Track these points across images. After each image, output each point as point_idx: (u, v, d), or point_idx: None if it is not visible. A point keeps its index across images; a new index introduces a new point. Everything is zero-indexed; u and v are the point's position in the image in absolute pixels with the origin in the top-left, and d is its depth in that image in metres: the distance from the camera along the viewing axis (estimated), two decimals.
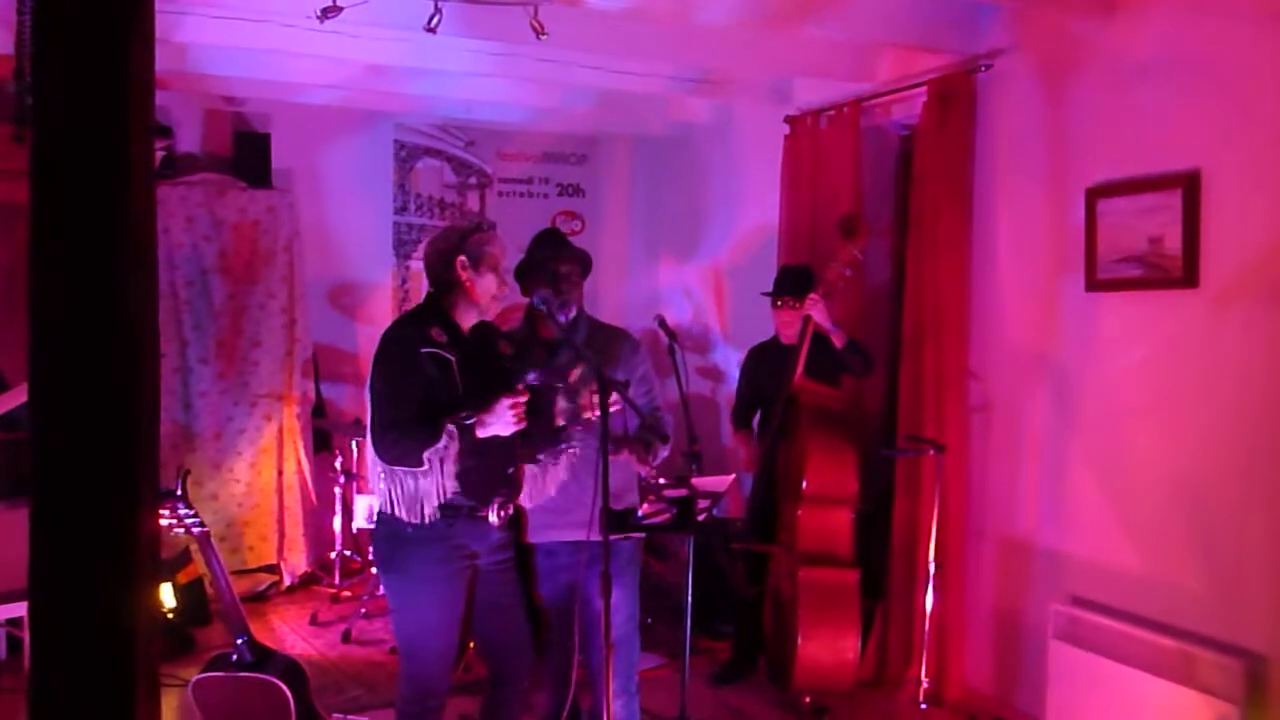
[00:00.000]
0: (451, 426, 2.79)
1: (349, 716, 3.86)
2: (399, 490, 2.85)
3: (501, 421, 2.82)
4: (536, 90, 5.60)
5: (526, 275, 3.29)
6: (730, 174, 6.09)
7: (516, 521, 3.16)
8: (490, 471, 2.92)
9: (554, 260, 3.25)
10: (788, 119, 5.24)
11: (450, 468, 2.80)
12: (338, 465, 5.76)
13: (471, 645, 4.08)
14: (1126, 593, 3.64)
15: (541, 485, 3.10)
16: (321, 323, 6.17)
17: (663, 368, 4.54)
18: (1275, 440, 3.21)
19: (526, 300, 3.24)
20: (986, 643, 4.27)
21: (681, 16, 3.99)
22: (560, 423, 2.95)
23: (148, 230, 0.80)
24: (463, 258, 2.93)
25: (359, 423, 5.48)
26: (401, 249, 6.63)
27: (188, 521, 3.24)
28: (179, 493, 3.25)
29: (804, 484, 4.14)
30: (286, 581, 5.82)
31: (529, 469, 3.06)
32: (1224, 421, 3.36)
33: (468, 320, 3.00)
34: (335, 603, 5.59)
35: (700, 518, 3.22)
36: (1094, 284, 3.76)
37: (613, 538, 2.83)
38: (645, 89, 5.27)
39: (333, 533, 5.84)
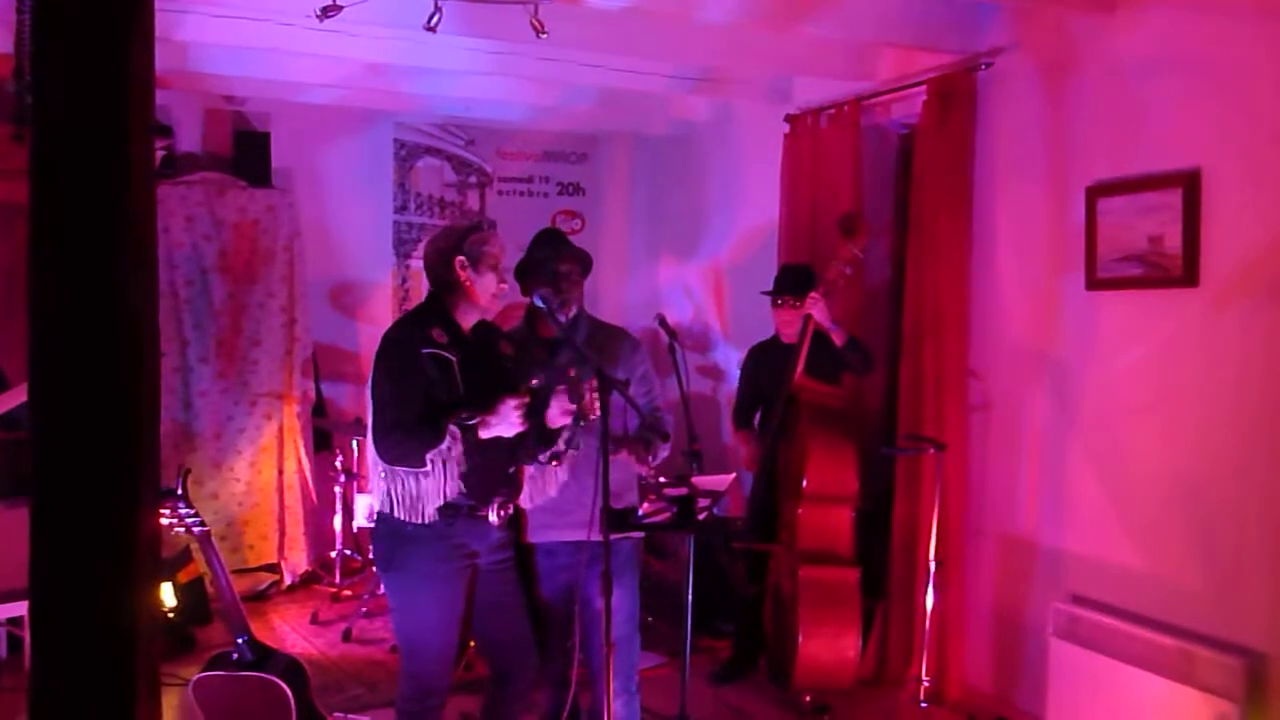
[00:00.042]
0: (454, 428, 2.79)
1: (350, 715, 3.87)
2: (401, 490, 2.85)
3: (505, 423, 2.82)
4: (536, 89, 5.60)
5: (526, 274, 3.29)
6: (730, 173, 6.09)
7: (516, 521, 3.16)
8: (490, 471, 2.92)
9: (554, 259, 3.25)
10: (788, 118, 5.23)
11: (454, 469, 2.80)
12: (338, 464, 5.76)
13: (472, 644, 4.08)
14: (1127, 591, 3.64)
15: (542, 486, 3.10)
16: (322, 322, 6.17)
17: (663, 367, 4.54)
18: (1275, 439, 3.21)
19: (527, 299, 3.24)
20: (987, 641, 4.27)
21: (682, 15, 3.99)
22: (565, 424, 2.94)
23: (148, 229, 0.80)
24: (461, 258, 2.93)
25: (359, 422, 5.48)
26: (402, 248, 6.63)
27: (188, 521, 3.24)
28: (179, 492, 3.26)
29: (804, 482, 4.14)
30: (287, 580, 5.82)
31: (529, 470, 3.06)
32: (1224, 420, 3.36)
33: (469, 320, 3.00)
34: (336, 602, 5.59)
35: (701, 516, 3.22)
36: (1094, 283, 3.76)
37: (613, 537, 2.83)
38: (645, 88, 5.27)
39: (333, 532, 5.85)
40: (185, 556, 5.10)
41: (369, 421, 2.93)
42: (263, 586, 5.72)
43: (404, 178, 6.62)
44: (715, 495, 3.26)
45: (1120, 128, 3.68)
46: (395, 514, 2.86)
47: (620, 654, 3.10)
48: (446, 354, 2.88)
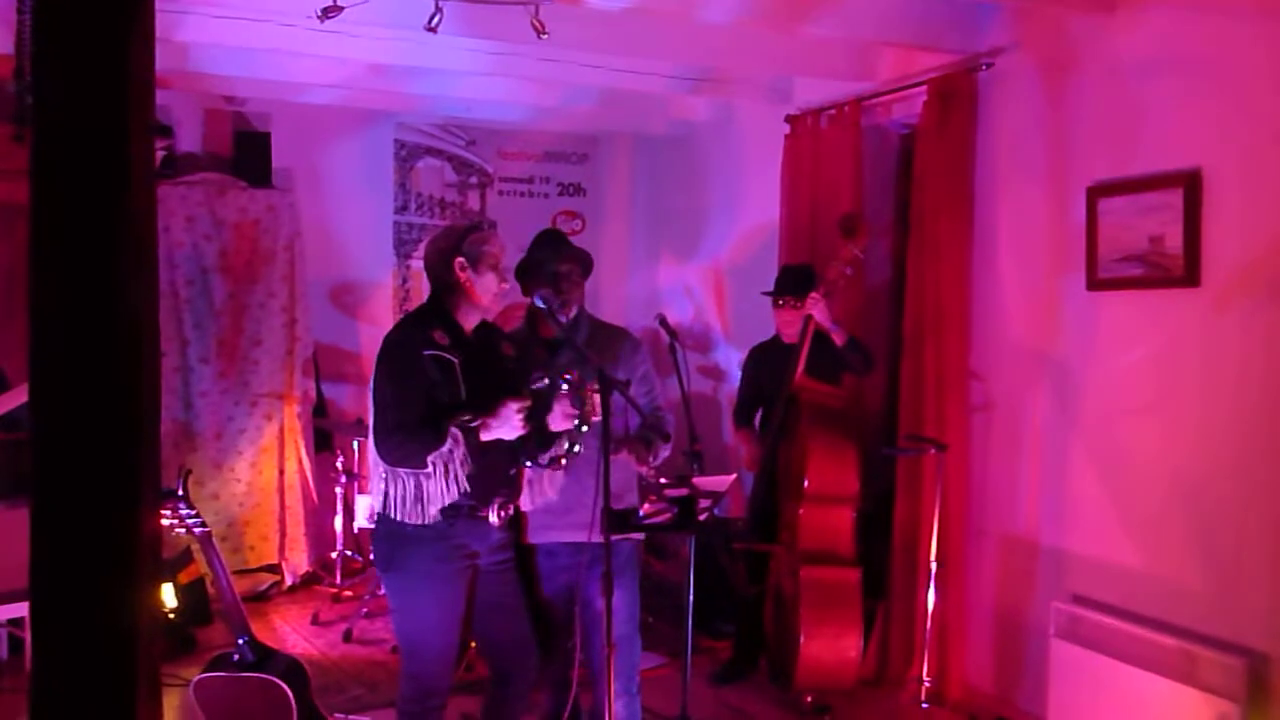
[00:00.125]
0: (455, 430, 2.79)
1: (350, 716, 3.87)
2: (402, 491, 2.85)
3: (507, 425, 2.82)
4: (537, 89, 5.60)
5: (527, 275, 3.29)
6: (731, 173, 6.09)
7: (517, 522, 3.16)
8: (491, 472, 2.92)
9: (554, 260, 3.24)
10: (788, 118, 5.23)
11: (457, 470, 2.80)
12: (339, 465, 5.76)
13: (473, 645, 4.08)
14: (1128, 591, 3.64)
15: (541, 489, 3.10)
16: (322, 322, 6.17)
17: (664, 367, 4.54)
18: (1276, 439, 3.21)
19: (527, 300, 3.24)
20: (988, 641, 4.27)
21: (682, 15, 3.99)
22: (568, 427, 2.94)
23: (148, 229, 0.80)
24: (461, 259, 2.92)
25: (360, 422, 5.49)
26: (402, 248, 6.63)
27: (189, 521, 3.24)
28: (180, 492, 3.26)
29: (805, 483, 4.13)
30: (288, 581, 5.82)
31: (528, 472, 3.06)
32: (1225, 420, 3.36)
33: (470, 321, 3.00)
34: (336, 602, 5.59)
35: (701, 517, 3.22)
36: (1095, 283, 3.76)
37: (613, 538, 2.83)
38: (646, 88, 5.27)
39: (334, 532, 5.85)
40: (186, 557, 5.10)
41: (370, 422, 2.93)
42: (263, 587, 5.72)
43: (404, 178, 6.62)
44: (716, 496, 3.26)
45: (1121, 128, 3.67)
46: (396, 515, 2.86)
47: (621, 654, 3.09)
48: (448, 355, 2.88)
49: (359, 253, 6.47)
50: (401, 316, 4.62)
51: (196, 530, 3.25)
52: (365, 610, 5.17)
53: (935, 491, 4.06)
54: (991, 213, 4.24)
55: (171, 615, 4.84)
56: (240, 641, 3.22)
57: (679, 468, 4.36)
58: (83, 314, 0.76)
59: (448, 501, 2.83)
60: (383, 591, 4.52)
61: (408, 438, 2.81)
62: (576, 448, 2.98)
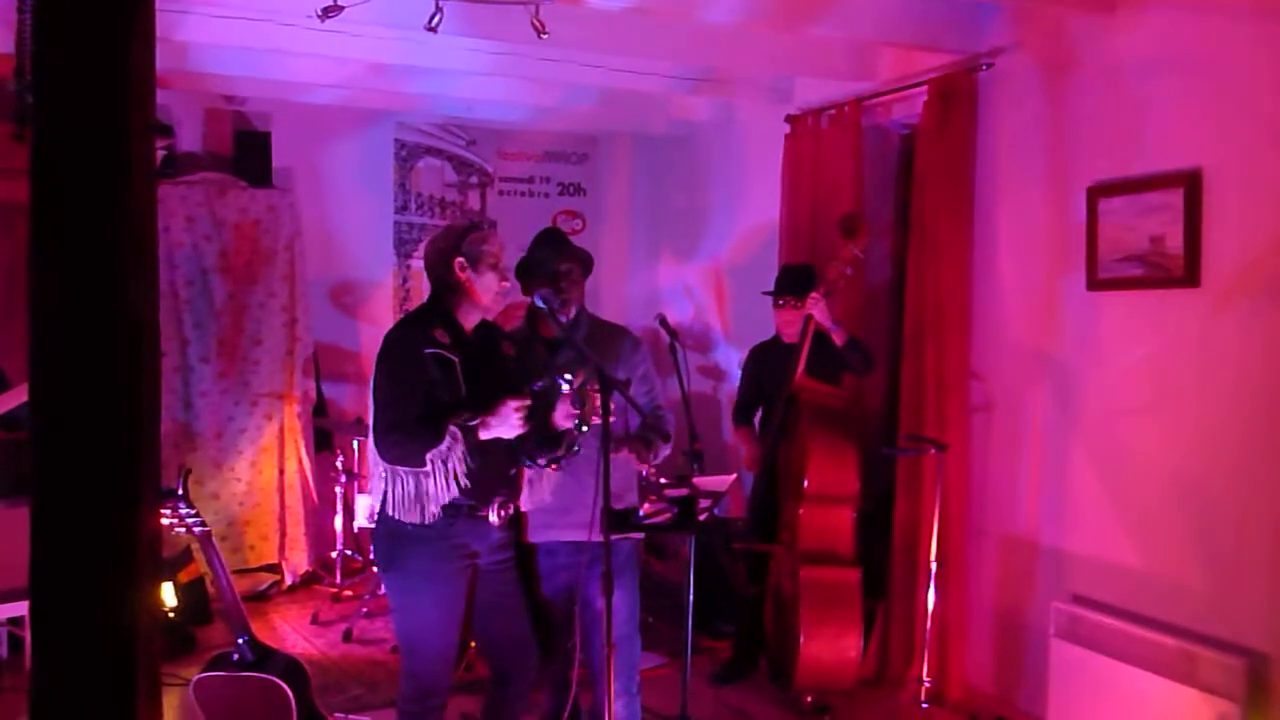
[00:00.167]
0: (455, 428, 2.79)
1: (350, 715, 3.87)
2: (401, 490, 2.85)
3: (506, 424, 2.82)
4: (537, 89, 5.60)
5: (527, 274, 3.29)
6: (731, 173, 6.09)
7: (517, 521, 3.16)
8: (491, 472, 2.92)
9: (555, 259, 3.25)
10: (789, 118, 5.23)
11: (456, 468, 2.80)
12: (339, 464, 5.76)
13: (473, 644, 4.08)
14: (1128, 591, 3.64)
15: (539, 489, 3.10)
16: (322, 321, 6.17)
17: (664, 366, 4.54)
18: (1276, 439, 3.21)
19: (528, 299, 3.24)
20: (988, 641, 4.27)
21: (682, 15, 3.99)
22: (569, 427, 2.94)
23: (148, 229, 0.80)
24: (460, 258, 2.93)
25: (360, 422, 5.48)
26: (402, 248, 6.63)
27: (189, 521, 3.24)
28: (180, 492, 3.26)
29: (805, 483, 4.13)
30: (288, 581, 5.82)
31: (527, 472, 3.06)
32: (1225, 420, 3.36)
33: (471, 320, 3.00)
34: (336, 602, 5.59)
35: (701, 517, 3.22)
36: (1095, 283, 3.76)
37: (613, 537, 2.83)
38: (646, 88, 5.27)
39: (334, 532, 5.85)
40: (186, 556, 5.10)
41: (370, 421, 2.93)
42: (263, 587, 5.72)
43: (405, 178, 6.62)
44: (716, 496, 3.26)
45: (1121, 128, 3.67)
46: (396, 514, 2.86)
47: (621, 654, 3.10)
48: (449, 354, 2.88)
49: (359, 252, 6.47)
50: (402, 315, 4.62)
51: (196, 530, 3.25)
52: (365, 610, 5.17)
53: (935, 491, 4.06)
54: (992, 213, 4.24)
55: (171, 615, 4.84)
56: (240, 641, 3.22)
57: (679, 467, 4.36)
58: (83, 314, 0.76)
59: (447, 500, 2.83)
60: (383, 591, 4.53)
61: (406, 436, 2.81)
62: (575, 448, 2.99)
